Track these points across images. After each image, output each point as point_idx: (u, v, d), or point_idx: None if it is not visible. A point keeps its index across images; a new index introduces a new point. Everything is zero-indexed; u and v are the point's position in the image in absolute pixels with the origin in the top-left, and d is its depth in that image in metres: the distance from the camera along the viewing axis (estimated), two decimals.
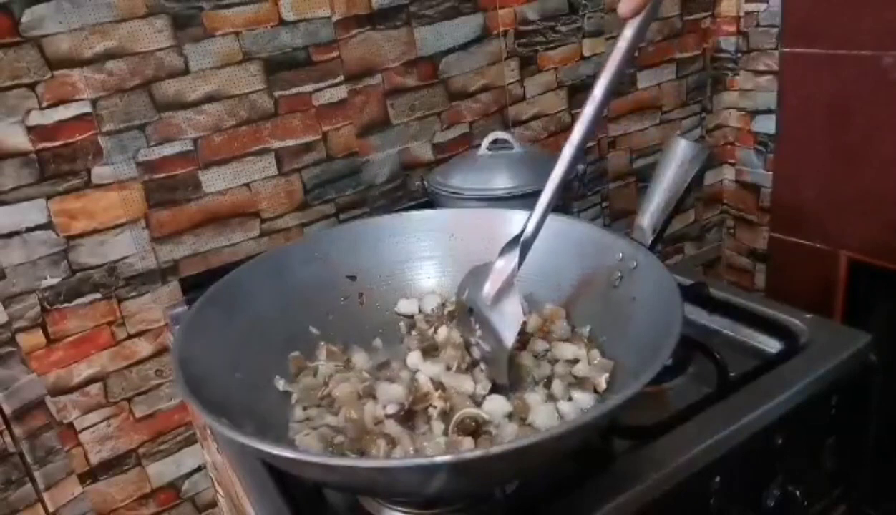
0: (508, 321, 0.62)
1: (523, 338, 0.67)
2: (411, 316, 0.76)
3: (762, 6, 1.32)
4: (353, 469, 0.48)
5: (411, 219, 0.79)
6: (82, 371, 0.90)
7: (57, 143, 0.82)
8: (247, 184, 0.96)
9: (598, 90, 0.54)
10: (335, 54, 0.98)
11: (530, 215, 0.60)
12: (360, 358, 0.70)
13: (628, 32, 0.53)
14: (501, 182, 0.90)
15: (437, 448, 0.56)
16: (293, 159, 0.98)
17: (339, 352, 0.69)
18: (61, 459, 0.91)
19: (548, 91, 1.21)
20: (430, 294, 0.77)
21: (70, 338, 0.88)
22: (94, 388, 0.91)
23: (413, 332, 0.73)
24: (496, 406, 0.60)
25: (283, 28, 0.93)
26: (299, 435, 0.60)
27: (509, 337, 0.61)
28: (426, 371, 0.64)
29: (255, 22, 0.90)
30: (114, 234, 0.88)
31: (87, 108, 0.82)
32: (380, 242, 0.77)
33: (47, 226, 0.83)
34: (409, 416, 0.60)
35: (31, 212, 0.82)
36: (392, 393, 0.61)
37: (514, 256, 0.61)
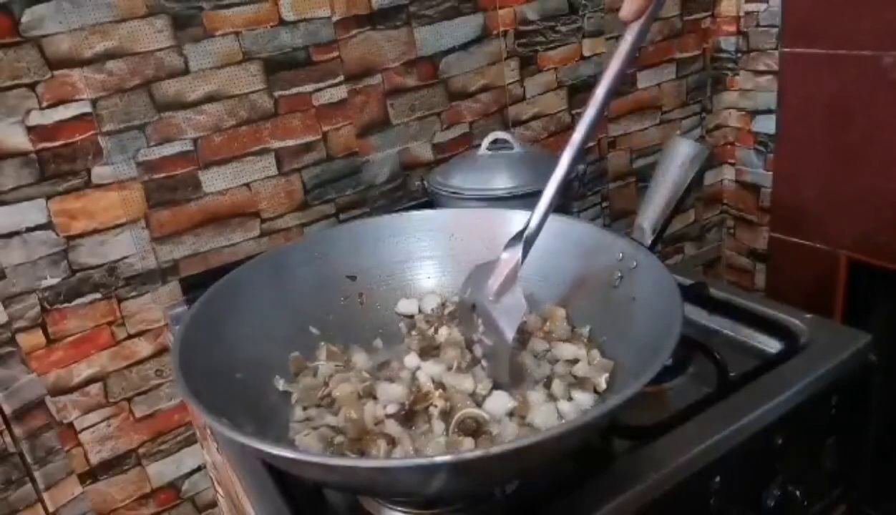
0: (511, 314, 0.63)
1: (523, 338, 0.67)
2: (411, 316, 0.76)
3: (762, 6, 1.32)
4: (353, 469, 0.48)
5: (411, 219, 0.79)
6: (82, 371, 0.90)
7: (57, 143, 0.82)
8: (247, 184, 0.96)
9: (600, 91, 0.55)
10: (335, 54, 0.98)
11: (533, 211, 0.61)
12: (360, 358, 0.70)
13: (629, 35, 0.54)
14: (501, 182, 0.90)
15: (437, 448, 0.56)
16: (293, 159, 0.98)
17: (339, 352, 0.69)
18: (61, 459, 0.91)
19: (548, 91, 1.21)
20: (430, 294, 0.77)
21: (70, 338, 0.88)
22: (94, 388, 0.91)
23: (413, 332, 0.73)
24: (498, 403, 0.60)
25: (283, 28, 0.93)
26: (299, 435, 0.60)
27: (511, 330, 0.62)
28: (427, 370, 0.64)
29: (255, 22, 0.90)
30: (114, 234, 0.88)
31: (87, 108, 0.82)
32: (380, 242, 0.77)
33: (47, 226, 0.83)
34: (409, 416, 0.60)
35: (31, 212, 0.82)
36: (392, 393, 0.62)
37: (518, 250, 0.61)
